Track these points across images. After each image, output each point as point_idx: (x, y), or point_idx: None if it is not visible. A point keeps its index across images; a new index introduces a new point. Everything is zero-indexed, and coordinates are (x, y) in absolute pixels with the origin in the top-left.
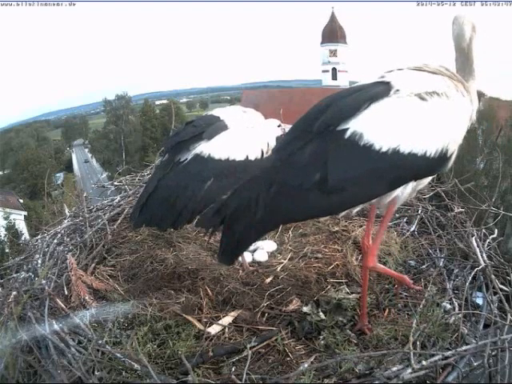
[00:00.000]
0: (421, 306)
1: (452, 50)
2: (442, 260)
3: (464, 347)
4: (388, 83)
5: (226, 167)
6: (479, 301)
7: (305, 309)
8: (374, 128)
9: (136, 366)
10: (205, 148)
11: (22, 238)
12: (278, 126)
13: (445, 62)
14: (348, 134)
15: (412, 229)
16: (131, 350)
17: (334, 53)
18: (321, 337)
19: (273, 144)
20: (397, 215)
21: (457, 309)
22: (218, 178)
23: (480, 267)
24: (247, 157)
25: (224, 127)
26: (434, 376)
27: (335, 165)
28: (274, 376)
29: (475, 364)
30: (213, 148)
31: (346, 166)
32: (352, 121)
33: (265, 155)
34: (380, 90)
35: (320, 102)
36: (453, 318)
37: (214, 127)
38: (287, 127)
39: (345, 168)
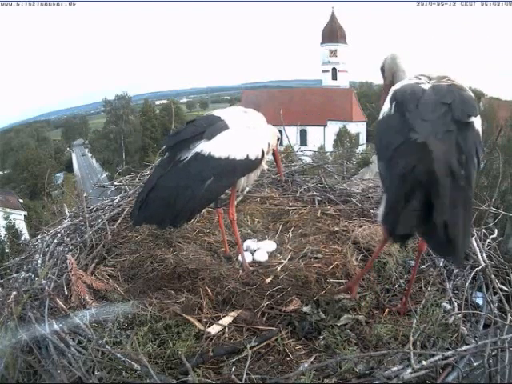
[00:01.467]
0: (421, 306)
1: (451, 49)
2: (442, 260)
3: (464, 347)
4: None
5: (226, 166)
6: (479, 301)
7: (305, 309)
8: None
9: (136, 365)
10: (205, 147)
11: (22, 238)
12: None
13: (445, 60)
14: (472, 125)
15: None
16: (131, 350)
17: (334, 53)
18: (321, 337)
19: (273, 144)
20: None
21: (457, 309)
22: (218, 177)
23: (480, 267)
24: (248, 156)
25: (225, 127)
26: (434, 376)
27: (478, 150)
28: (274, 376)
29: (475, 364)
30: (213, 147)
31: (478, 151)
32: (472, 117)
33: (265, 155)
34: (467, 93)
35: (424, 95)
36: (453, 318)
37: (214, 127)
38: (287, 127)
39: (478, 153)
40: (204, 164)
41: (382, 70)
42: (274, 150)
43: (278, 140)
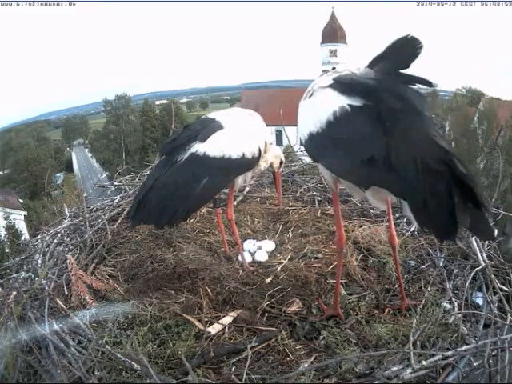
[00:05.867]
0: (421, 306)
1: (451, 49)
2: (442, 260)
3: (464, 347)
4: None
5: (221, 165)
6: (479, 301)
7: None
8: None
9: (136, 365)
10: (200, 147)
11: (22, 238)
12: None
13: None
14: None
15: (412, 229)
16: (131, 350)
17: (334, 53)
18: (321, 337)
19: (276, 166)
20: (397, 215)
21: (457, 309)
22: (213, 176)
23: (480, 267)
24: (243, 155)
25: (219, 127)
26: (434, 376)
27: None
28: (274, 376)
29: (475, 364)
30: (207, 146)
31: None
32: None
33: (262, 154)
34: None
35: None
36: (453, 318)
37: (209, 128)
38: (287, 127)
39: None
40: (199, 164)
41: None
42: (275, 173)
43: (281, 163)
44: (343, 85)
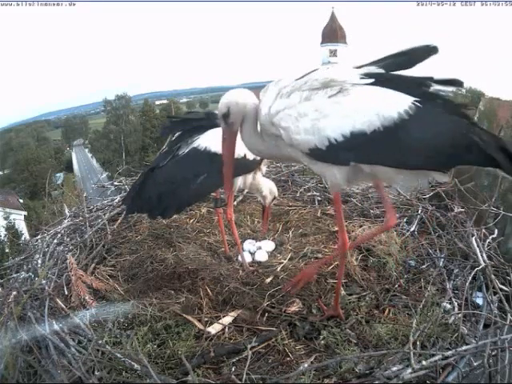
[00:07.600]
0: (421, 306)
1: (451, 49)
2: (442, 260)
3: (464, 347)
4: None
5: (221, 163)
6: (479, 301)
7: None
8: None
9: (136, 365)
10: (202, 142)
11: (22, 238)
12: None
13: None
14: None
15: (412, 229)
16: (131, 350)
17: (333, 53)
18: (321, 337)
19: (268, 202)
20: (397, 215)
21: (457, 309)
22: (211, 173)
23: (480, 267)
24: (245, 155)
25: None
26: (434, 376)
27: None
28: (274, 376)
29: (475, 364)
30: (209, 142)
31: None
32: None
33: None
34: None
35: None
36: (453, 318)
37: (215, 122)
38: None
39: None
40: (198, 159)
41: (226, 116)
42: (265, 208)
43: (273, 198)
44: (388, 83)
